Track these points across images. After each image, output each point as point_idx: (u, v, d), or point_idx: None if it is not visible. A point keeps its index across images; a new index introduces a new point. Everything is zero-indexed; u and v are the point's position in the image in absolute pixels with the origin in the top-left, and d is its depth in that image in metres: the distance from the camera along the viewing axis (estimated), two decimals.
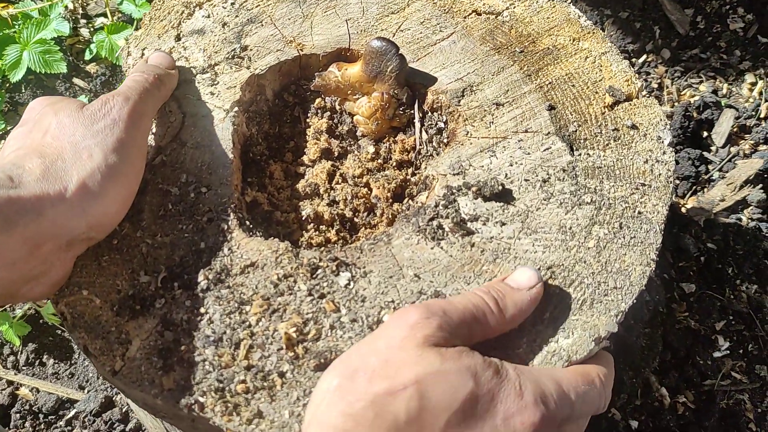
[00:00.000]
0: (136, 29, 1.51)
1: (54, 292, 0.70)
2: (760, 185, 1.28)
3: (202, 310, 0.68)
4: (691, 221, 1.27)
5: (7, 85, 1.45)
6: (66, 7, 1.56)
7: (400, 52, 0.81)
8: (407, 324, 0.59)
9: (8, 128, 1.44)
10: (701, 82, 1.42)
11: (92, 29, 1.55)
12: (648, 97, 0.82)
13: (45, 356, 1.34)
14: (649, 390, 1.15)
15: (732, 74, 1.42)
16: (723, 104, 1.39)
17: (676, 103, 1.39)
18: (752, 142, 1.35)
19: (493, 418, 0.56)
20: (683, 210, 1.29)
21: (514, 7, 0.89)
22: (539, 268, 0.70)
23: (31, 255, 0.63)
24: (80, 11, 1.58)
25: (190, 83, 0.83)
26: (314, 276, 0.70)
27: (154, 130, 0.79)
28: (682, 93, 1.41)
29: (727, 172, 1.32)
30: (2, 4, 1.49)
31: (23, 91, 1.47)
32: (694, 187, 1.31)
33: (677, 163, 1.32)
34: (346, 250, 0.73)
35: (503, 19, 0.88)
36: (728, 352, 1.19)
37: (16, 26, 1.44)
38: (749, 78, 1.42)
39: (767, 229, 1.28)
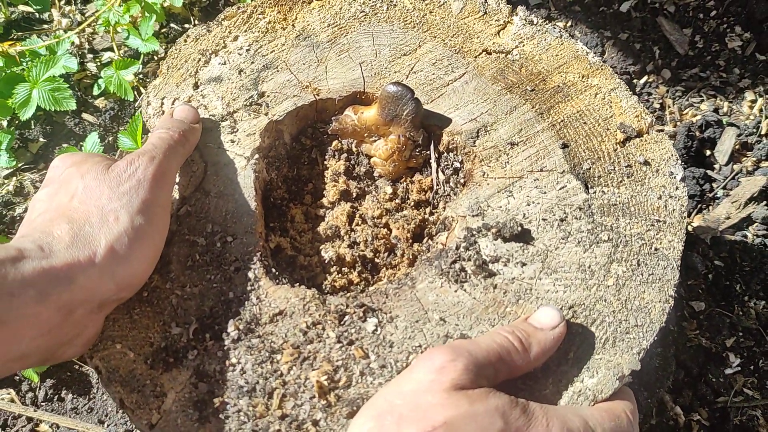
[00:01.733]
0: (144, 64, 1.53)
1: (87, 349, 0.71)
2: (765, 202, 1.31)
3: (234, 360, 0.70)
4: (698, 239, 1.29)
5: (17, 122, 1.47)
6: (72, 42, 1.57)
7: (415, 96, 0.82)
8: (434, 367, 0.61)
9: (19, 165, 1.45)
10: (702, 101, 1.44)
11: (99, 64, 1.56)
12: (658, 132, 0.84)
13: (63, 391, 1.35)
14: (664, 409, 1.17)
15: (732, 92, 1.45)
16: (724, 122, 1.41)
17: (678, 123, 1.41)
18: (754, 159, 1.37)
19: None
20: (690, 228, 1.31)
21: (523, 46, 0.91)
22: (561, 308, 0.72)
23: (65, 321, 0.65)
24: (87, 46, 1.59)
25: (210, 131, 0.84)
26: (342, 323, 0.72)
27: (178, 181, 0.81)
28: (684, 112, 1.43)
29: (731, 189, 1.34)
30: (9, 42, 1.50)
31: (32, 127, 1.48)
32: (700, 205, 1.34)
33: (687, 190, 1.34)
34: (371, 295, 0.75)
35: (513, 58, 0.90)
36: (740, 368, 1.21)
37: (24, 63, 1.46)
38: (749, 95, 1.44)
39: None
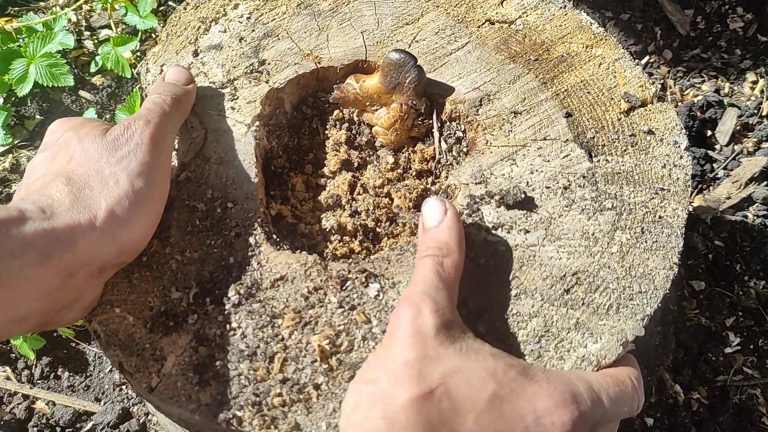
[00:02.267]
0: (142, 42, 1.51)
1: (85, 315, 0.70)
2: (765, 182, 1.30)
3: (235, 324, 0.69)
4: (699, 219, 1.29)
5: (13, 99, 1.45)
6: (69, 19, 1.56)
7: (418, 64, 0.82)
8: (407, 324, 0.60)
9: (15, 142, 1.44)
10: (703, 81, 1.44)
11: (96, 41, 1.55)
12: (662, 102, 0.84)
13: (60, 369, 1.35)
14: (664, 387, 1.17)
15: (733, 73, 1.44)
16: (725, 103, 1.40)
17: (679, 103, 1.40)
18: (755, 139, 1.37)
19: (523, 418, 0.57)
20: (690, 209, 1.31)
21: (527, 16, 0.91)
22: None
23: (65, 284, 0.64)
24: (84, 23, 1.58)
25: (210, 99, 0.84)
26: (344, 288, 0.71)
27: (177, 147, 0.80)
28: (685, 93, 1.43)
29: (731, 170, 1.34)
30: (5, 18, 1.49)
31: (29, 104, 1.47)
32: (700, 185, 1.33)
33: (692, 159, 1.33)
34: (373, 261, 0.74)
35: (516, 28, 0.89)
36: (739, 347, 1.21)
37: (21, 40, 1.44)
38: (750, 76, 1.44)
39: None
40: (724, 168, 1.34)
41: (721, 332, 1.22)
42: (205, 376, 0.67)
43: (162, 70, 0.86)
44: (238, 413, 0.65)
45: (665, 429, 1.14)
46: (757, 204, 1.30)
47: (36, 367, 1.35)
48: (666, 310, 1.18)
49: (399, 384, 0.57)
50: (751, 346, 1.21)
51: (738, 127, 1.38)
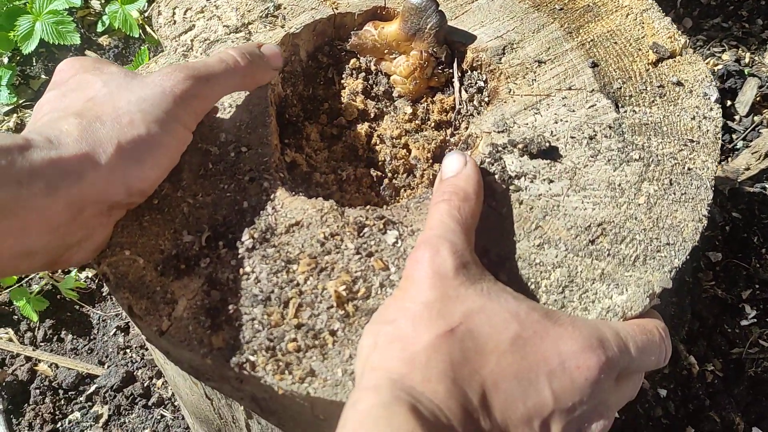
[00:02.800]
0: (150, 1, 1.48)
1: (94, 256, 0.68)
2: None
3: (249, 269, 0.67)
4: (716, 190, 1.26)
5: (18, 58, 1.43)
6: None
7: (439, 9, 0.79)
8: (426, 265, 0.58)
9: (20, 102, 1.41)
10: (724, 51, 1.41)
11: (103, 2, 1.52)
12: (691, 54, 0.81)
13: (63, 332, 1.33)
14: (678, 358, 1.14)
15: (754, 43, 1.41)
16: (746, 73, 1.38)
17: None
18: None
19: (547, 360, 0.55)
20: None
21: None
22: (589, 225, 0.69)
23: (74, 220, 0.61)
24: None
25: (224, 43, 0.81)
26: (361, 234, 0.69)
27: None
28: (706, 62, 1.40)
29: (751, 141, 1.31)
30: None
31: (34, 64, 1.44)
32: (719, 156, 1.31)
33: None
34: (392, 208, 0.71)
35: None
36: (755, 320, 1.18)
37: None
38: None
39: None
40: (744, 139, 1.32)
41: (738, 304, 1.20)
42: (218, 320, 0.65)
43: (174, 13, 0.83)
44: (252, 358, 0.62)
45: (679, 400, 1.12)
46: None
47: (39, 329, 1.33)
48: (681, 281, 1.16)
49: (418, 323, 0.55)
50: None
51: (758, 98, 1.35)
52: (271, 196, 0.71)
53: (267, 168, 0.73)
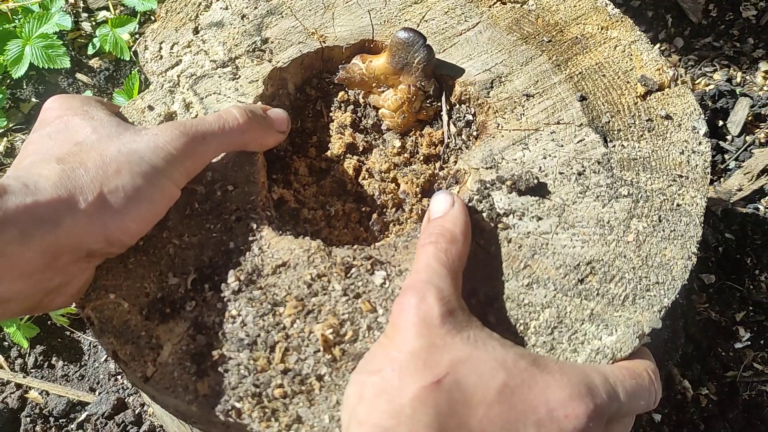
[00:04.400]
0: (140, 24, 1.48)
1: (76, 300, 0.67)
2: None
3: (235, 312, 0.66)
4: (709, 211, 1.26)
5: (8, 81, 1.42)
6: (67, 0, 1.52)
7: (427, 43, 0.78)
8: (412, 313, 0.57)
9: (10, 125, 1.41)
10: (715, 70, 1.41)
11: (94, 23, 1.51)
12: (680, 86, 0.80)
13: (54, 358, 1.32)
14: (672, 383, 1.14)
15: (746, 62, 1.41)
16: (738, 93, 1.37)
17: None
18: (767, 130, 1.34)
19: (535, 410, 0.55)
20: None
21: None
22: (578, 263, 0.68)
23: (50, 266, 0.60)
24: (81, 5, 1.54)
25: (210, 78, 0.80)
26: (348, 275, 0.68)
27: None
28: (697, 82, 1.40)
29: (743, 161, 1.31)
30: None
31: (25, 87, 1.44)
32: (711, 176, 1.30)
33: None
34: (379, 248, 0.71)
35: (529, 8, 0.86)
36: (749, 342, 1.18)
37: (17, 21, 1.41)
38: (763, 66, 1.41)
39: None
40: (736, 159, 1.31)
41: (731, 327, 1.19)
42: (203, 366, 0.64)
43: (161, 48, 0.83)
44: (237, 405, 0.62)
45: (673, 425, 1.12)
46: None
47: (29, 355, 1.32)
48: (675, 304, 1.16)
49: (405, 374, 0.54)
50: (762, 342, 1.19)
51: (750, 118, 1.35)
52: (258, 236, 0.70)
53: (254, 207, 0.72)
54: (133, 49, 1.33)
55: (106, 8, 1.51)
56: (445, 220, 0.66)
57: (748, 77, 1.40)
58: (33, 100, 1.43)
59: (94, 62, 1.46)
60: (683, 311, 1.17)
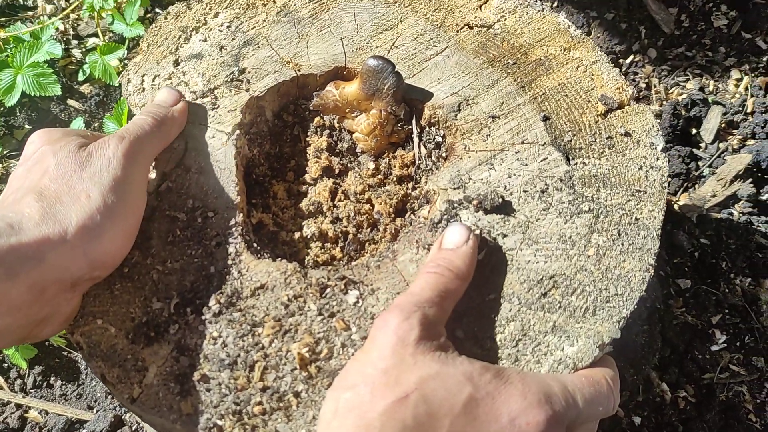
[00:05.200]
0: (129, 50, 1.52)
1: (64, 328, 0.71)
2: (750, 180, 1.31)
3: (216, 334, 0.70)
4: (684, 218, 1.30)
5: (2, 109, 1.46)
6: (57, 29, 1.56)
7: (396, 70, 0.82)
8: (391, 331, 0.61)
9: (4, 152, 1.45)
10: (688, 79, 1.44)
11: (84, 50, 1.55)
12: (639, 104, 0.84)
13: (52, 378, 1.35)
14: (651, 386, 1.17)
15: (718, 71, 1.45)
16: (710, 101, 1.41)
17: (664, 102, 1.41)
18: (740, 137, 1.37)
19: (498, 419, 0.58)
20: (676, 207, 1.31)
21: (505, 20, 0.91)
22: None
23: (37, 300, 0.64)
24: (71, 32, 1.58)
25: (190, 108, 0.84)
26: (323, 295, 0.72)
27: (157, 158, 0.80)
28: (670, 91, 1.43)
29: (717, 168, 1.34)
30: None
31: (18, 114, 1.48)
32: (686, 183, 1.34)
33: (668, 161, 1.34)
34: (353, 268, 0.75)
35: (495, 32, 0.90)
36: (725, 345, 1.21)
37: (8, 50, 1.45)
38: (735, 74, 1.44)
39: (758, 223, 1.30)
40: (710, 166, 1.35)
41: (708, 330, 1.23)
42: (186, 386, 0.68)
43: (143, 81, 0.87)
44: (219, 422, 0.65)
45: (652, 427, 1.15)
46: (742, 201, 1.31)
47: (28, 376, 1.35)
48: (652, 309, 1.19)
49: (376, 391, 0.58)
50: (738, 344, 1.22)
51: (723, 125, 1.38)
52: (237, 260, 0.74)
53: (233, 232, 0.76)
54: (118, 81, 1.37)
55: (95, 35, 1.55)
56: (456, 254, 0.69)
57: (720, 85, 1.44)
58: (26, 126, 1.47)
59: (85, 88, 1.50)
60: (660, 316, 1.20)
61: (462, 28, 0.90)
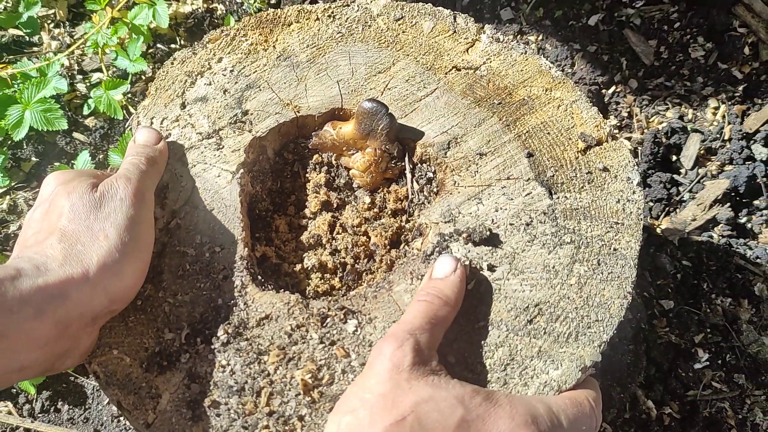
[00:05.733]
0: (132, 84, 1.58)
1: (84, 359, 0.76)
2: (728, 204, 1.37)
3: (224, 362, 0.75)
4: (666, 241, 1.36)
5: (9, 142, 1.51)
6: (62, 64, 1.62)
7: (389, 112, 0.88)
8: (387, 358, 0.67)
9: (12, 184, 1.50)
10: (668, 108, 1.51)
11: (88, 84, 1.61)
12: (616, 140, 0.90)
13: (60, 403, 1.40)
14: (637, 403, 1.22)
15: (696, 100, 1.52)
16: (689, 129, 1.48)
17: (645, 130, 1.48)
18: (718, 163, 1.44)
19: None
20: (658, 230, 1.37)
21: (491, 62, 0.97)
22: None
23: (61, 335, 0.70)
24: (76, 67, 1.64)
25: (197, 149, 0.90)
26: (324, 325, 0.77)
27: (167, 196, 0.86)
28: (651, 120, 1.50)
29: (696, 192, 1.41)
30: (1, 65, 1.55)
31: (25, 147, 1.53)
32: (667, 208, 1.40)
33: (650, 186, 1.41)
34: (351, 298, 0.80)
35: (481, 74, 0.96)
36: (708, 363, 1.27)
37: (16, 86, 1.50)
38: (712, 103, 1.51)
39: (737, 245, 1.37)
40: (690, 191, 1.41)
41: (691, 349, 1.28)
42: (198, 412, 0.73)
43: (152, 123, 0.92)
44: None
45: None
46: (721, 225, 1.37)
47: (36, 401, 1.40)
48: (637, 329, 1.25)
49: (375, 414, 0.63)
50: (719, 362, 1.28)
51: (701, 152, 1.45)
52: (243, 292, 0.79)
53: (238, 265, 0.81)
54: (127, 125, 1.43)
55: (99, 70, 1.62)
56: (444, 284, 0.75)
57: (698, 114, 1.51)
58: (33, 159, 1.52)
59: (90, 121, 1.56)
60: (645, 336, 1.26)
61: (450, 70, 0.97)
